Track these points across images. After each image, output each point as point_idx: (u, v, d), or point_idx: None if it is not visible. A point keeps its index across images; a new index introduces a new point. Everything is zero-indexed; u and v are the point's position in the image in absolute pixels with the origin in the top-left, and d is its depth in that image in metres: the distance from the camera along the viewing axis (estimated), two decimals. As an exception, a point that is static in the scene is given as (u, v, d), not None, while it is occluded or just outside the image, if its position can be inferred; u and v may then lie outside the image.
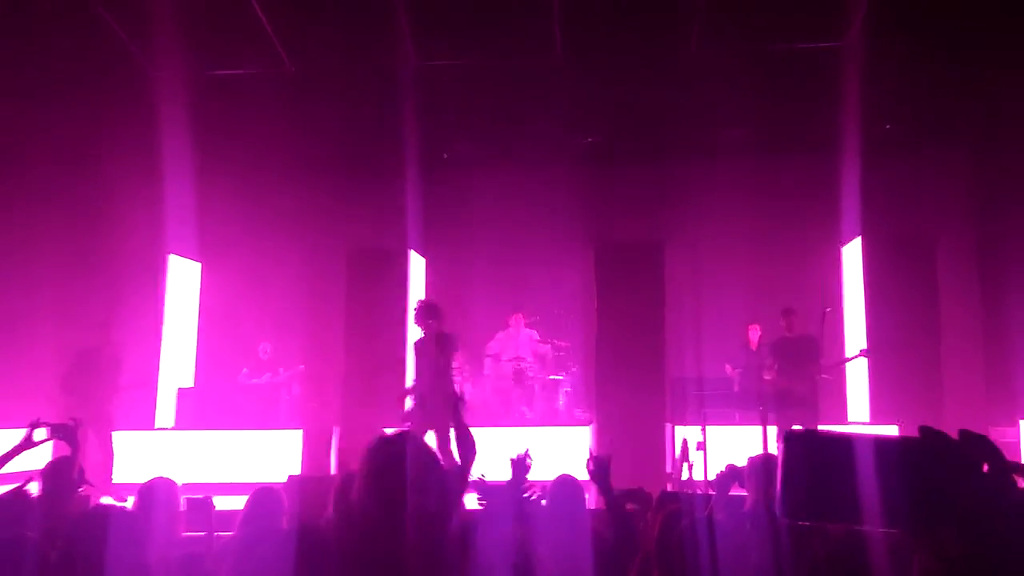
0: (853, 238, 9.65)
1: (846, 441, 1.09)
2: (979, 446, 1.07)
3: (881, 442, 1.10)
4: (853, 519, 1.08)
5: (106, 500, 6.95)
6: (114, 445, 7.44)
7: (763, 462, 3.41)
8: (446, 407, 5.32)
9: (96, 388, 7.32)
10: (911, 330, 8.95)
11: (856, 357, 8.13)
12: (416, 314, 7.07)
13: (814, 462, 1.09)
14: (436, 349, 6.85)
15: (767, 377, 7.52)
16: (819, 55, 8.38)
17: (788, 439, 1.11)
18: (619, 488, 3.72)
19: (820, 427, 6.54)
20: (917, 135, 9.42)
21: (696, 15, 7.93)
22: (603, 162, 9.86)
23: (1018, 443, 7.97)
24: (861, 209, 8.95)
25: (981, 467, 1.06)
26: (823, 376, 7.64)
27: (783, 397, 7.27)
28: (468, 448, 4.21)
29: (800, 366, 7.37)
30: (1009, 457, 1.07)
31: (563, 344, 9.97)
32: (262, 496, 3.48)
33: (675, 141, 9.58)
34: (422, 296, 10.16)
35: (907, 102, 8.77)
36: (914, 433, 1.10)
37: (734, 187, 9.36)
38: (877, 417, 8.83)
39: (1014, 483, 1.06)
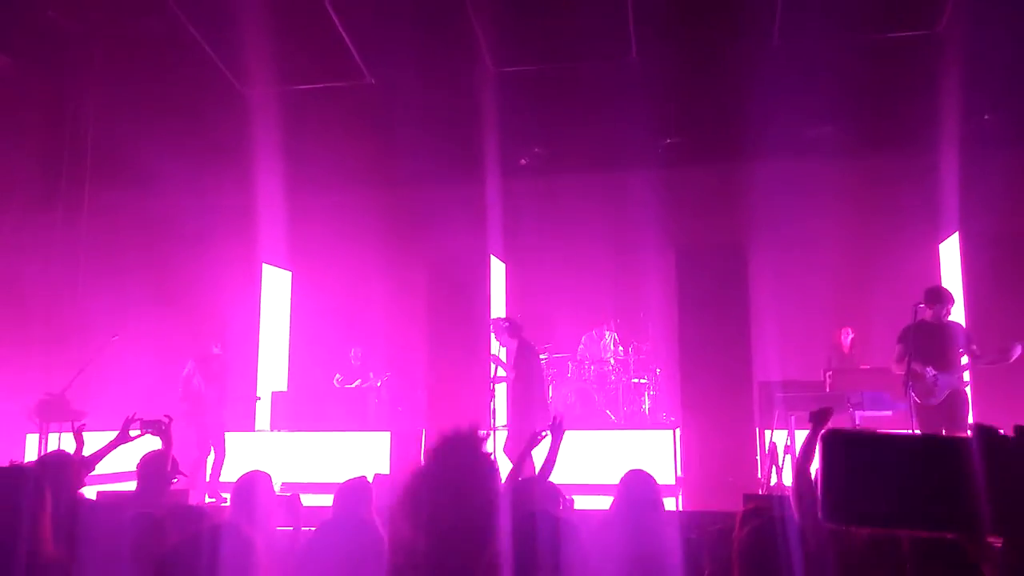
0: (950, 235, 9.24)
1: (889, 441, 1.04)
2: None
3: (929, 442, 1.05)
4: (897, 522, 1.03)
5: (209, 500, 7.32)
6: (226, 447, 7.85)
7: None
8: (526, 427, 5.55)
9: (213, 394, 7.77)
10: (1013, 328, 8.47)
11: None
12: (495, 332, 7.32)
13: (856, 464, 1.04)
14: (516, 363, 7.08)
15: (898, 371, 6.50)
16: (910, 44, 8.05)
17: (827, 440, 1.06)
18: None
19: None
20: (1017, 126, 8.92)
21: (777, 6, 7.72)
22: (684, 163, 9.71)
23: None
24: (959, 205, 8.54)
25: None
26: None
27: (928, 387, 6.38)
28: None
29: (947, 355, 6.49)
30: None
31: (646, 347, 9.89)
32: (354, 487, 3.53)
33: (758, 140, 9.34)
34: (503, 302, 10.28)
35: (1005, 92, 8.33)
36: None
37: (820, 186, 9.08)
38: (982, 418, 8.42)
39: None
